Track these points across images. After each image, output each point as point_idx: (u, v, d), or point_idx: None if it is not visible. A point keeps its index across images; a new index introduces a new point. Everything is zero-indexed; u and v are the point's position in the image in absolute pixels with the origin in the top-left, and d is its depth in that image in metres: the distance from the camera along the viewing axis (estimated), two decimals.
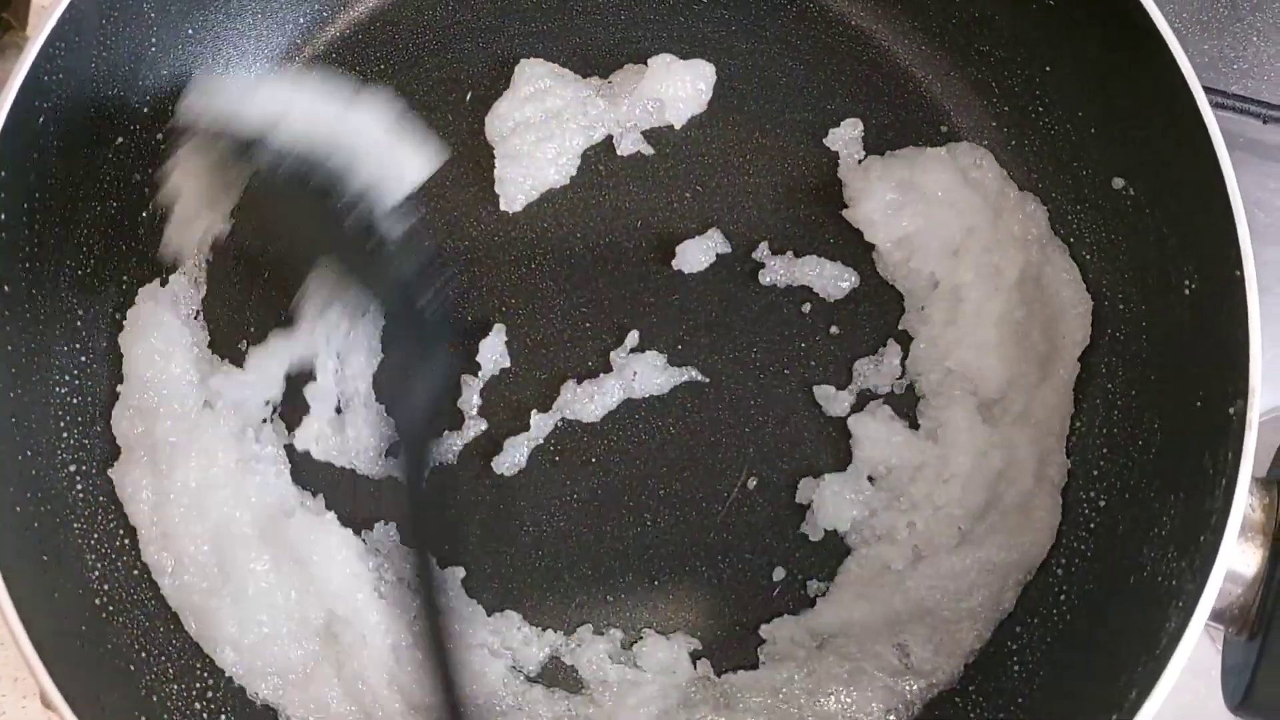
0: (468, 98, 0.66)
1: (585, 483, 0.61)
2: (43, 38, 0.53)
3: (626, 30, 0.66)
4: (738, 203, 0.65)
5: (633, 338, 0.62)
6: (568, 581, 0.60)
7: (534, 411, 0.61)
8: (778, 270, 0.63)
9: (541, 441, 0.61)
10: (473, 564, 0.60)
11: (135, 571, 0.57)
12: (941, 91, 0.65)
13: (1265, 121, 0.69)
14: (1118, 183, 0.60)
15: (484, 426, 0.62)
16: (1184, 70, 0.54)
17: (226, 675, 0.56)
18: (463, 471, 0.61)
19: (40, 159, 0.55)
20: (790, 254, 0.63)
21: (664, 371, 0.62)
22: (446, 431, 0.61)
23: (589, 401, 0.62)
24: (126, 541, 0.57)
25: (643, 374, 0.62)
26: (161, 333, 0.59)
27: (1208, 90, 0.68)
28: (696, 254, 0.63)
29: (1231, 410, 0.51)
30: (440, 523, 0.60)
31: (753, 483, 0.61)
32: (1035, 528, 0.58)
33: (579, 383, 0.62)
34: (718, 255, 0.64)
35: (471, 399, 0.62)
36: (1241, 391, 0.50)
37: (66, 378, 0.58)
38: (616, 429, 0.62)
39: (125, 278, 0.61)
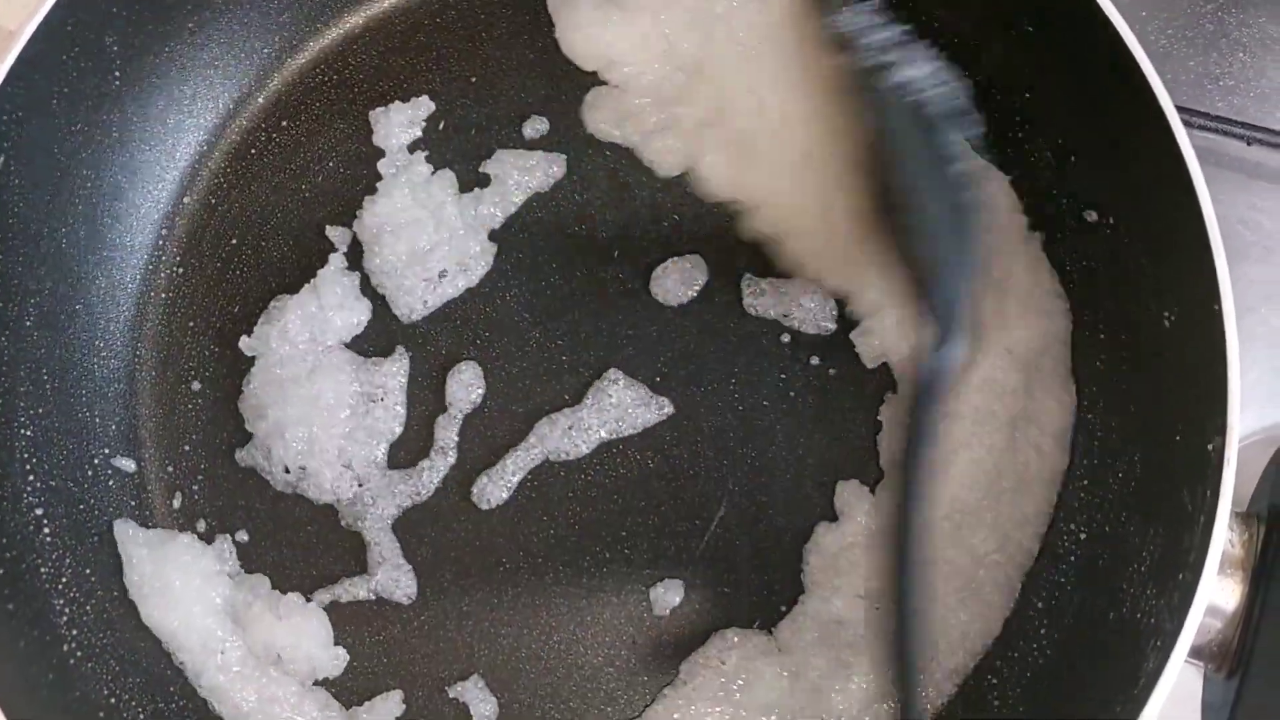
0: (440, 126, 0.65)
1: (563, 517, 0.60)
2: (0, 77, 0.52)
3: None
4: (718, 230, 0.64)
5: (612, 372, 0.62)
6: (545, 617, 0.59)
7: (510, 449, 0.61)
8: (758, 300, 0.63)
9: (517, 478, 0.61)
10: (449, 603, 0.59)
11: (105, 616, 0.56)
12: None
13: (1249, 144, 0.68)
14: (1090, 215, 0.59)
15: (460, 463, 0.61)
16: (1160, 100, 0.53)
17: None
18: (439, 508, 0.61)
19: (2, 200, 0.54)
20: (771, 283, 0.63)
21: (642, 404, 0.61)
22: (424, 466, 0.61)
23: (565, 436, 0.61)
24: (96, 586, 0.57)
25: (621, 407, 0.61)
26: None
27: (1191, 112, 0.68)
28: (676, 283, 0.63)
29: (1210, 447, 0.50)
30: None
31: (731, 515, 0.60)
32: (985, 606, 0.58)
33: (555, 416, 0.61)
34: (698, 284, 0.63)
35: (448, 435, 0.61)
36: (1220, 428, 0.50)
37: (29, 416, 0.57)
38: (594, 462, 0.61)
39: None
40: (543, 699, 0.58)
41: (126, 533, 0.59)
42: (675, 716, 0.57)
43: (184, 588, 0.57)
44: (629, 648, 0.59)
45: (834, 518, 0.60)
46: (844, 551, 0.59)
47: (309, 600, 0.59)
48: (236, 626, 0.58)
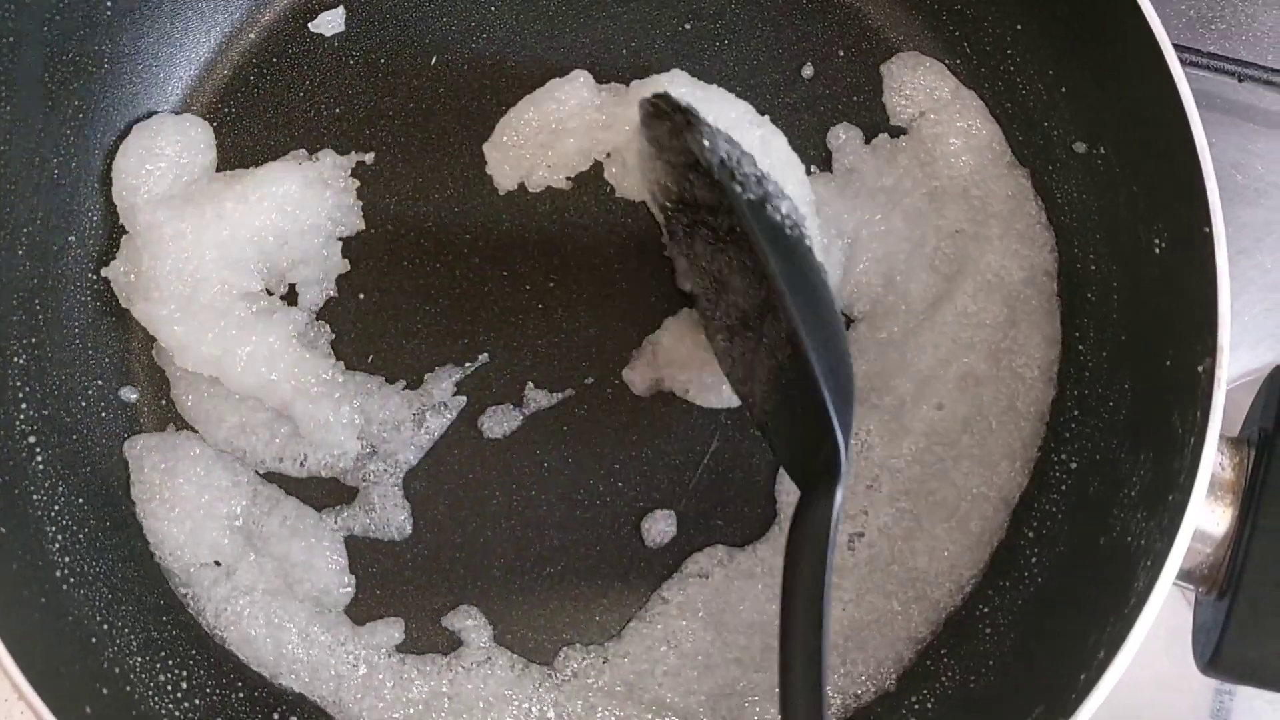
0: (433, 61, 0.65)
1: (556, 452, 0.60)
2: None
3: None
4: None
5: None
6: (538, 549, 0.60)
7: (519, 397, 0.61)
8: None
9: (520, 418, 0.61)
10: (443, 536, 0.60)
11: (97, 545, 0.56)
12: (913, 49, 0.64)
13: (1241, 80, 0.68)
14: (1079, 147, 0.59)
15: (465, 402, 0.61)
16: (1154, 27, 0.53)
17: (192, 649, 0.56)
18: (435, 444, 0.61)
19: None
20: None
21: None
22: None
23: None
24: (89, 515, 0.57)
25: None
26: None
27: (1183, 49, 0.68)
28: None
29: (1200, 369, 0.50)
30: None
31: (724, 448, 0.61)
32: (972, 538, 0.58)
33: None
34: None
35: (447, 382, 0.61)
36: (1210, 349, 0.50)
37: (22, 345, 0.57)
38: (590, 395, 0.61)
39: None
40: (535, 630, 0.59)
41: (135, 447, 0.59)
42: (658, 629, 0.58)
43: (195, 500, 0.57)
44: (621, 579, 0.59)
45: None
46: None
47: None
48: (249, 545, 0.58)
